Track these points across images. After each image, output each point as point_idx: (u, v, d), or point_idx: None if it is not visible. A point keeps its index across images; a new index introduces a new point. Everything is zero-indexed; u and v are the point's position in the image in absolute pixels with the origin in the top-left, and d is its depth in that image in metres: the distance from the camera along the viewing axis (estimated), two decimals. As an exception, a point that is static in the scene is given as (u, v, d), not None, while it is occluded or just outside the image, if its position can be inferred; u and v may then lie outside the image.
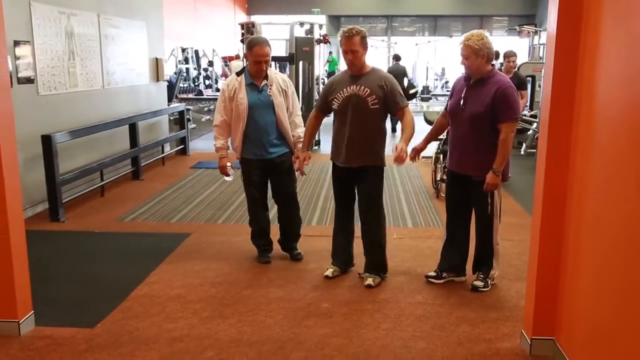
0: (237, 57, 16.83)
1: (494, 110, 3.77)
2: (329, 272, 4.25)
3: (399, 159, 3.88)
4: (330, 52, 20.21)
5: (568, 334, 3.01)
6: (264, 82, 4.31)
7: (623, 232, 2.39)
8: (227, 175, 4.41)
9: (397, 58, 13.20)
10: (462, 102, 3.89)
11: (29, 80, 5.72)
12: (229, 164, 4.37)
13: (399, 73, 13.04)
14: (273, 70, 4.46)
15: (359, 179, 4.10)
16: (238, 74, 4.38)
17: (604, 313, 2.60)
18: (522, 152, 8.97)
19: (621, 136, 2.42)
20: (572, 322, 2.96)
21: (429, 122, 9.09)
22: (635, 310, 2.25)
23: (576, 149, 2.88)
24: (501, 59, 9.16)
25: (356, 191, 4.18)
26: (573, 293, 2.93)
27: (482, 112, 3.79)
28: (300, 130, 4.44)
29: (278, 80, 4.38)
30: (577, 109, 2.87)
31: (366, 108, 3.93)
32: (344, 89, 3.98)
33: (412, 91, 13.28)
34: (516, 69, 8.03)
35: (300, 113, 4.56)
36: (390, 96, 3.96)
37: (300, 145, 4.38)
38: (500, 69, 7.00)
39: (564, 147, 2.94)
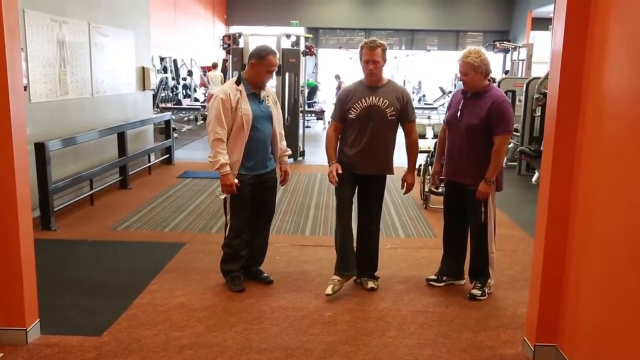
0: (215, 66, 16.75)
1: (489, 122, 3.95)
2: (329, 290, 4.09)
3: (409, 191, 4.32)
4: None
5: (571, 341, 3.11)
6: (262, 92, 4.16)
7: (629, 239, 2.49)
8: (234, 193, 4.02)
9: None
10: (459, 114, 4.07)
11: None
12: (236, 180, 4.00)
13: None
14: None
15: (368, 186, 4.20)
16: (237, 82, 4.09)
17: (608, 320, 2.71)
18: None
19: (628, 149, 2.54)
20: (575, 328, 3.06)
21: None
22: (646, 315, 2.36)
23: (580, 161, 3.00)
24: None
25: (359, 196, 4.25)
26: (577, 300, 3.04)
27: (478, 124, 3.97)
28: (285, 144, 4.35)
29: (270, 91, 4.27)
30: (581, 124, 2.99)
31: (385, 118, 4.04)
32: (363, 100, 4.04)
33: None
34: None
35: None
36: (404, 108, 4.10)
37: (285, 158, 4.34)
38: None
39: (569, 159, 3.05)
